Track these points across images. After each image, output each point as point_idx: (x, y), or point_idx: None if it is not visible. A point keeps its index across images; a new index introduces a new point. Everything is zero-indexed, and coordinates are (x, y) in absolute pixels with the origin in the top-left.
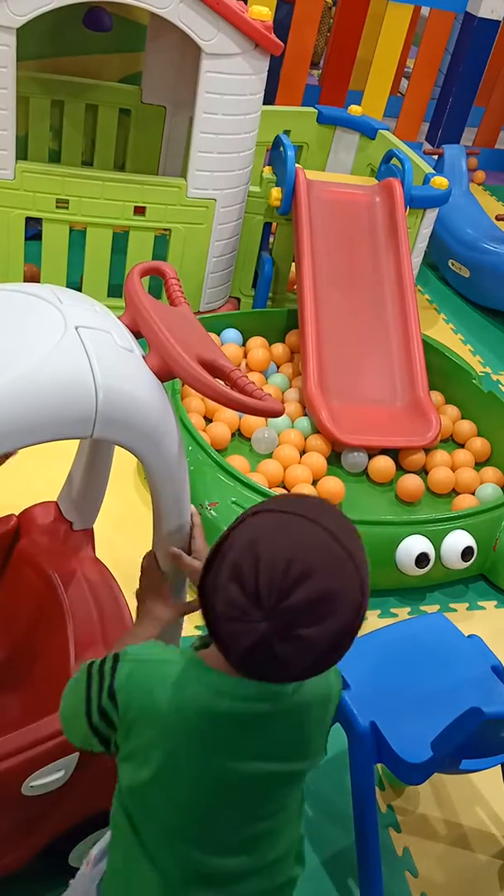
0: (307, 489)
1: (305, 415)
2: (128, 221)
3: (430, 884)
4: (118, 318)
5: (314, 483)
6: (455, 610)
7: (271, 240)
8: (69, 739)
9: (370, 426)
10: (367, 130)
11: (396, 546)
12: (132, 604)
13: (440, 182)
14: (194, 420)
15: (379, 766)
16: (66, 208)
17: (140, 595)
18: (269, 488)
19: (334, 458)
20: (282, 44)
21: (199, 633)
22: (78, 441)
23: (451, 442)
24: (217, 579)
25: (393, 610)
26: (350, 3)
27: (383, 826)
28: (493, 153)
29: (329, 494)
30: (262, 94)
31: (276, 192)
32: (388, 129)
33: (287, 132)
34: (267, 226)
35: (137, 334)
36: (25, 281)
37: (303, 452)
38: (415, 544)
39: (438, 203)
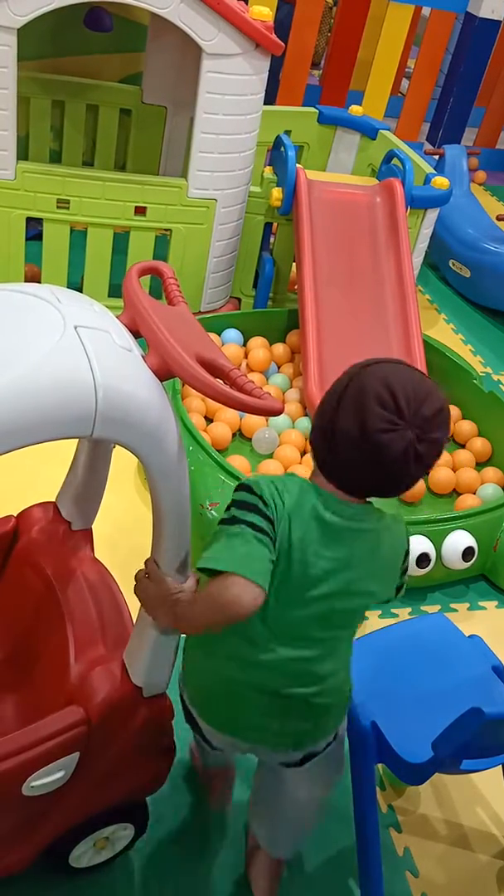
0: None
1: (306, 415)
2: (128, 222)
3: (431, 884)
4: (117, 317)
5: None
6: (456, 610)
7: (272, 240)
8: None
9: None
10: (368, 130)
11: None
12: (132, 603)
13: (441, 182)
14: (195, 420)
15: (380, 766)
16: (67, 208)
17: (152, 604)
18: None
19: None
20: (282, 44)
21: None
22: (76, 441)
23: (452, 442)
24: (349, 418)
25: (394, 610)
26: (351, 3)
27: (384, 826)
28: (494, 153)
29: None
30: (263, 95)
31: (276, 193)
32: (388, 130)
33: (288, 132)
34: (268, 226)
35: (136, 334)
36: (26, 281)
37: (304, 453)
38: (416, 545)
39: (439, 203)
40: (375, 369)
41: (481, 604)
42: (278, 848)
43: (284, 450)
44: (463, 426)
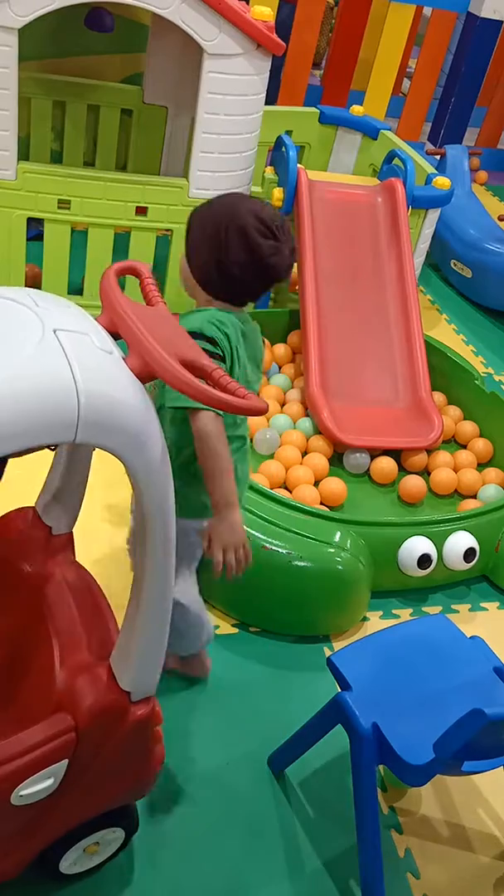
0: (309, 490)
1: (307, 415)
2: (129, 222)
3: (432, 885)
4: (96, 319)
5: (316, 484)
6: (457, 611)
7: None
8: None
9: (372, 427)
10: (369, 130)
11: (399, 547)
12: (115, 607)
13: (442, 182)
14: None
15: (381, 767)
16: (68, 209)
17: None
18: (271, 489)
19: (336, 459)
20: (284, 44)
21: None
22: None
23: (454, 443)
24: (240, 252)
25: (395, 611)
26: (352, 3)
27: (385, 827)
28: (496, 153)
29: (331, 495)
30: (264, 95)
31: (277, 193)
32: (390, 130)
33: (289, 132)
34: None
35: (115, 335)
36: (27, 282)
37: (305, 453)
38: (417, 545)
39: (440, 203)
40: (240, 208)
41: (483, 605)
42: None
43: (285, 450)
44: (464, 427)
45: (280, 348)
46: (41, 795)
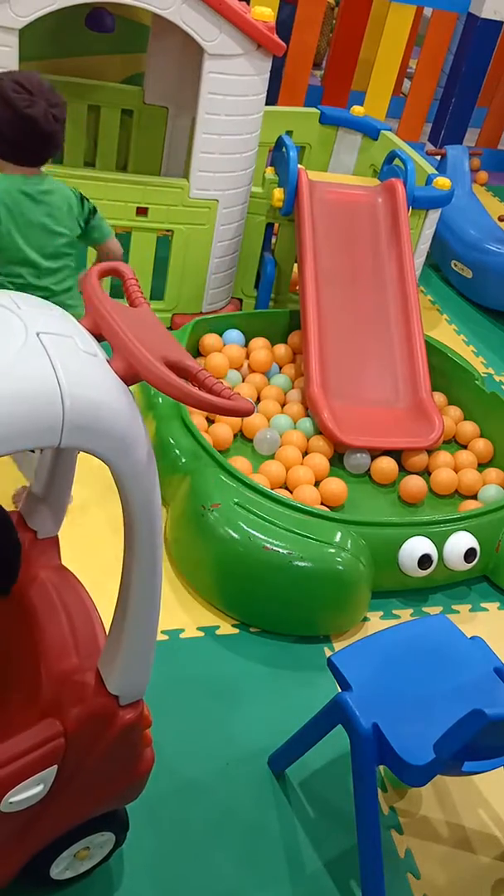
0: (310, 491)
1: (308, 416)
2: (130, 222)
3: (432, 886)
4: (79, 321)
5: (317, 484)
6: (458, 611)
7: (273, 240)
8: None
9: (373, 427)
10: (370, 131)
11: (399, 548)
12: (103, 611)
13: (443, 183)
14: (196, 421)
15: (381, 767)
16: None
17: None
18: (272, 489)
19: (337, 460)
20: (284, 44)
21: (201, 633)
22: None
23: (454, 443)
24: (2, 112)
25: (395, 611)
26: (352, 3)
27: (385, 828)
28: (496, 154)
29: (332, 495)
30: (265, 95)
31: (278, 193)
32: (390, 130)
33: (289, 133)
34: (269, 226)
35: (99, 338)
36: None
37: (305, 454)
38: (417, 546)
39: (441, 204)
40: (4, 79)
41: (483, 605)
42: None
43: (286, 451)
44: (465, 427)
45: (280, 349)
46: (31, 802)
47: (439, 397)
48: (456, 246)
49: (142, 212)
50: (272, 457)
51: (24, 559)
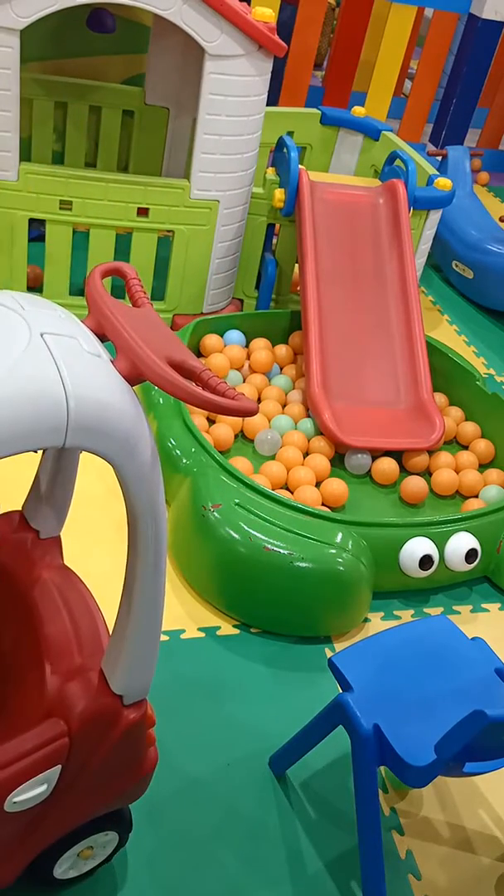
0: (311, 491)
1: (309, 416)
2: (131, 223)
3: (434, 887)
4: (82, 321)
5: (317, 485)
6: (459, 612)
7: (274, 241)
8: None
9: (374, 428)
10: (371, 132)
11: (400, 548)
12: (107, 611)
13: (444, 183)
14: (197, 422)
15: (382, 768)
16: (70, 210)
17: None
18: (273, 490)
19: (338, 460)
20: (285, 45)
21: (201, 634)
22: None
23: (455, 444)
24: None
25: (396, 612)
26: (353, 4)
27: (386, 829)
28: (497, 154)
29: (333, 496)
30: (266, 96)
31: (279, 194)
32: (391, 131)
33: (290, 133)
34: (270, 227)
35: (102, 338)
36: (29, 282)
37: (306, 454)
38: (418, 546)
39: (442, 204)
40: None
41: (484, 606)
42: None
43: (287, 451)
44: (466, 428)
45: (281, 349)
46: (35, 801)
47: (440, 398)
48: (457, 246)
49: (142, 212)
50: (273, 457)
51: (27, 559)
